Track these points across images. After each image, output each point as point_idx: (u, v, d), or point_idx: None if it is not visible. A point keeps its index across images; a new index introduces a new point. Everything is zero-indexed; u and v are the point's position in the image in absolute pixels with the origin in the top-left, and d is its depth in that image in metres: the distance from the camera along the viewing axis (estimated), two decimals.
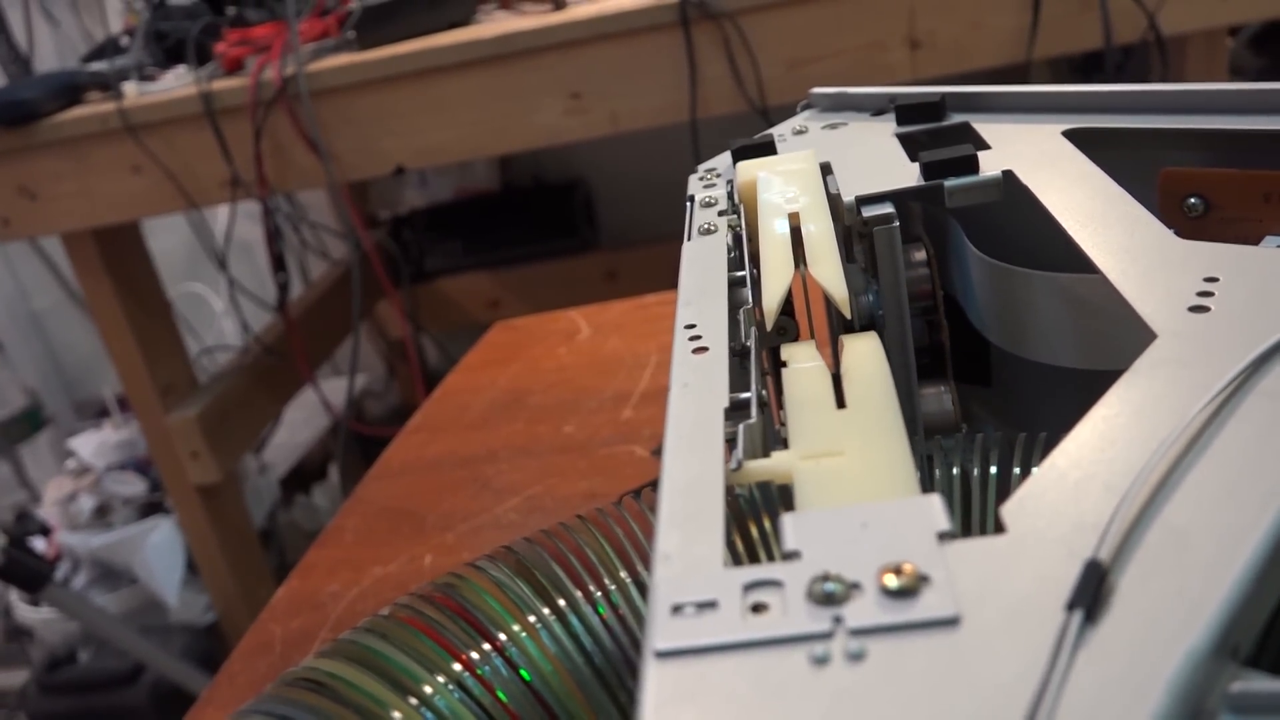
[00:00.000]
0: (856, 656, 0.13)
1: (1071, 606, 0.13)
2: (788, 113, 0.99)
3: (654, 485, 0.48)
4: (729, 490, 0.17)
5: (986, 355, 0.36)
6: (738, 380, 0.22)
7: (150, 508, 1.35)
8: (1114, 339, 0.23)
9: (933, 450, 0.21)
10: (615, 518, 0.22)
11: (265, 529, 1.44)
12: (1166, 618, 0.13)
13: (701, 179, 0.34)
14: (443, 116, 0.95)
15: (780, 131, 0.36)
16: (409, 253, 1.78)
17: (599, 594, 0.20)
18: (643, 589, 0.21)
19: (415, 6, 1.01)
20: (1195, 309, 0.19)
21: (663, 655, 0.14)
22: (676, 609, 0.14)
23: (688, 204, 0.32)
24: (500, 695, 0.19)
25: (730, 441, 0.19)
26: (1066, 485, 0.15)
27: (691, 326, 0.23)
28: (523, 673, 0.19)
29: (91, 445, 1.39)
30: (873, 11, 0.89)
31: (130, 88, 1.00)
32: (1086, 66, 1.15)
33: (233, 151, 0.97)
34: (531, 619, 0.20)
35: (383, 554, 0.52)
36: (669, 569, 0.15)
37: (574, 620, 0.20)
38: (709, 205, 0.31)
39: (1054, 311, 0.29)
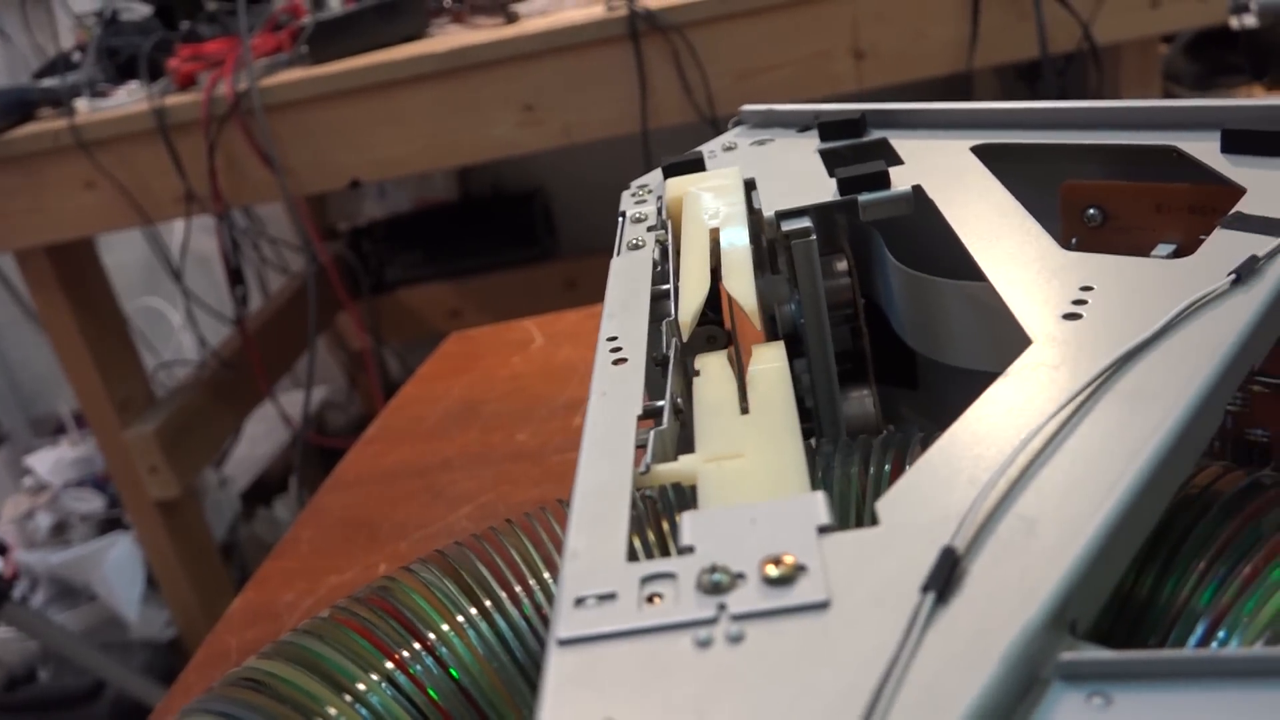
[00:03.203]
0: (736, 639, 0.14)
1: (926, 589, 0.14)
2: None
3: None
4: (637, 491, 0.19)
5: (913, 359, 0.37)
6: (657, 389, 0.23)
7: (108, 524, 1.34)
8: (1015, 343, 0.25)
9: (835, 451, 0.22)
10: (541, 521, 0.23)
11: (227, 543, 1.44)
12: (1008, 597, 0.14)
13: (634, 195, 0.35)
14: (398, 130, 0.96)
15: (710, 148, 0.38)
16: (368, 264, 1.78)
17: (523, 594, 0.21)
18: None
19: (368, 20, 1.01)
20: (1069, 316, 0.21)
21: (564, 643, 0.15)
22: (579, 601, 0.16)
23: (619, 219, 0.34)
24: (431, 693, 0.20)
25: (642, 447, 0.21)
26: (936, 480, 0.17)
27: (613, 339, 0.25)
28: (452, 671, 0.20)
29: (48, 462, 1.37)
30: (817, 23, 0.91)
31: (82, 104, 1.00)
32: (1029, 74, 1.18)
33: (187, 167, 0.97)
34: (460, 619, 0.21)
35: (338, 563, 0.53)
36: (575, 565, 0.17)
37: (499, 620, 0.21)
38: (639, 221, 0.33)
39: (964, 317, 0.31)
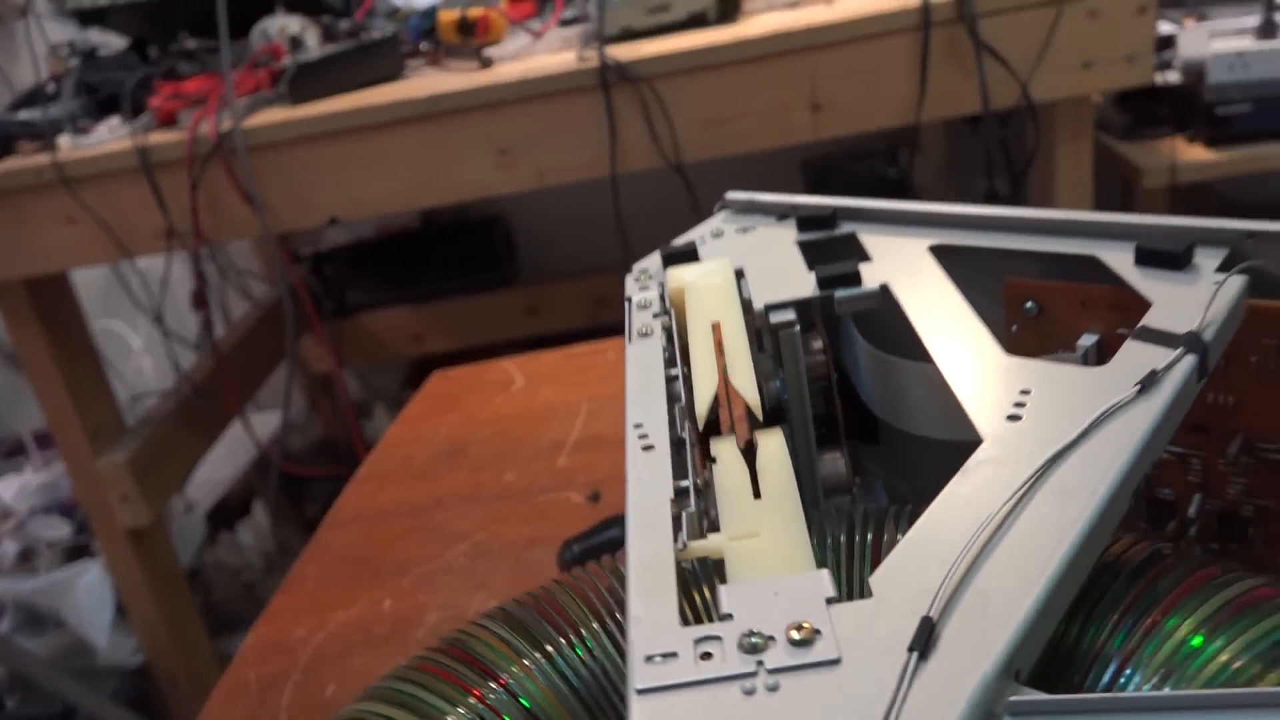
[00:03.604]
0: (773, 689, 0.19)
1: (911, 649, 0.20)
2: (703, 168, 1.07)
3: (591, 532, 0.53)
4: (678, 565, 0.24)
5: (875, 420, 0.43)
6: (679, 467, 0.28)
7: (75, 551, 1.35)
8: (960, 421, 0.30)
9: (830, 521, 0.28)
10: (585, 580, 0.28)
11: (193, 568, 1.45)
12: (971, 655, 0.19)
13: (636, 279, 0.40)
14: (376, 170, 1.00)
15: (700, 234, 0.43)
16: (331, 289, 1.81)
17: (576, 640, 0.26)
18: (609, 635, 0.27)
19: (346, 62, 1.05)
20: (1011, 417, 0.26)
21: (641, 693, 0.20)
22: (649, 658, 0.21)
23: (625, 304, 0.39)
24: (506, 718, 0.25)
25: (676, 520, 0.25)
26: (914, 560, 0.22)
27: (639, 426, 0.29)
28: (522, 700, 0.25)
29: (12, 489, 1.38)
30: (778, 77, 0.97)
31: (65, 140, 1.03)
32: (973, 123, 1.25)
33: (168, 203, 1.00)
34: (526, 661, 0.26)
35: (343, 599, 0.57)
36: (639, 629, 0.22)
37: (559, 660, 0.26)
38: (644, 307, 0.38)
39: (920, 393, 0.36)
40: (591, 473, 0.63)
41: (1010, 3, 0.94)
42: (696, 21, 1.04)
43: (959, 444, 0.27)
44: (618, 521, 0.54)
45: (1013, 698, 0.19)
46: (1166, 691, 0.19)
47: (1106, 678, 0.23)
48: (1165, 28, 1.16)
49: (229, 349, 1.42)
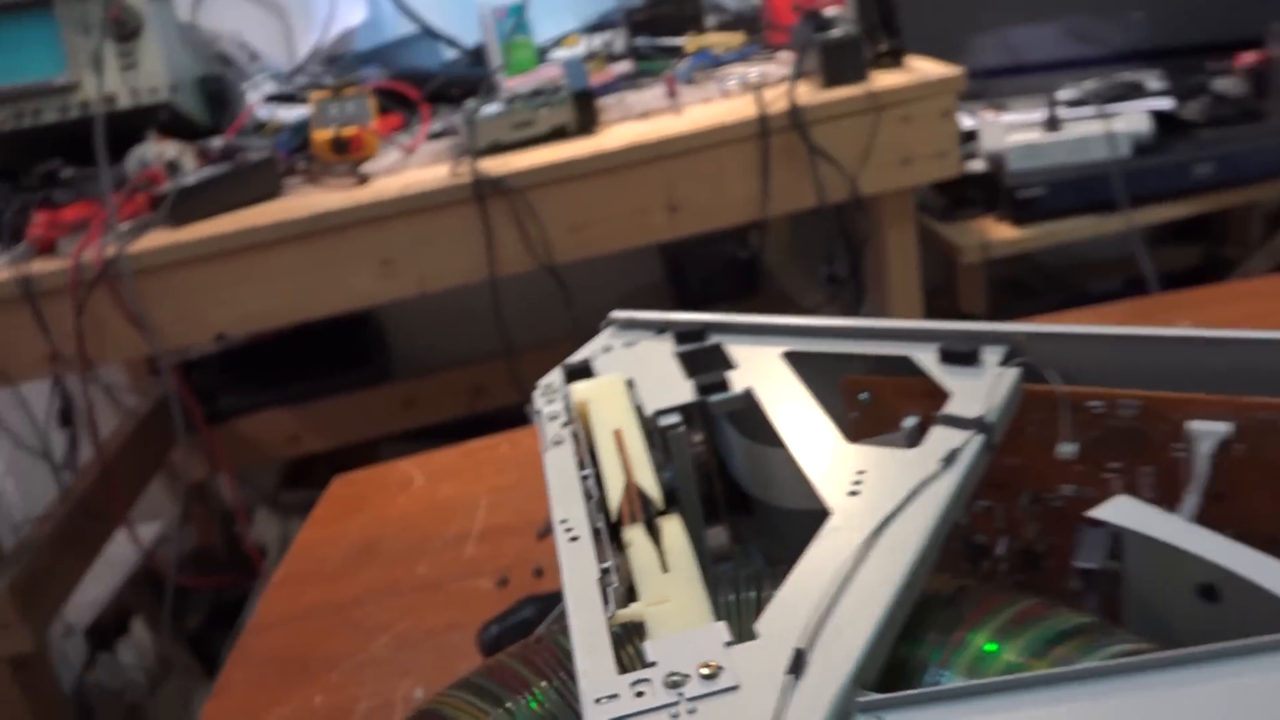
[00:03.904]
0: (692, 712, 0.27)
1: (789, 673, 0.27)
2: (574, 268, 1.15)
3: (507, 614, 0.59)
4: (610, 628, 0.31)
5: (748, 497, 0.51)
6: (600, 552, 0.35)
7: None
8: (814, 499, 0.38)
9: (721, 584, 0.35)
10: (531, 651, 0.35)
11: (75, 692, 1.42)
12: (831, 673, 0.27)
13: (543, 394, 0.48)
14: (261, 286, 1.05)
15: (593, 350, 0.51)
16: (201, 396, 1.81)
17: (529, 696, 0.33)
18: (556, 690, 0.33)
19: (225, 184, 1.10)
20: (851, 493, 0.35)
21: None
22: (597, 700, 0.28)
23: (536, 416, 0.46)
24: None
25: (604, 595, 0.33)
26: (787, 606, 0.30)
27: (564, 521, 0.37)
28: None
29: None
30: (637, 183, 1.07)
31: None
32: (813, 214, 1.39)
33: (52, 328, 1.02)
34: (491, 718, 0.32)
35: (275, 699, 0.61)
36: (587, 679, 0.28)
37: (519, 713, 0.32)
38: (554, 418, 0.45)
39: (783, 473, 0.44)
40: (498, 560, 0.70)
41: (836, 111, 1.07)
42: (559, 134, 1.14)
43: (814, 513, 0.35)
44: (530, 602, 0.60)
45: (860, 699, 0.27)
46: (967, 683, 0.27)
47: (927, 680, 0.31)
48: (969, 122, 1.32)
49: (107, 463, 1.41)
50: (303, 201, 1.07)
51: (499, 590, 0.66)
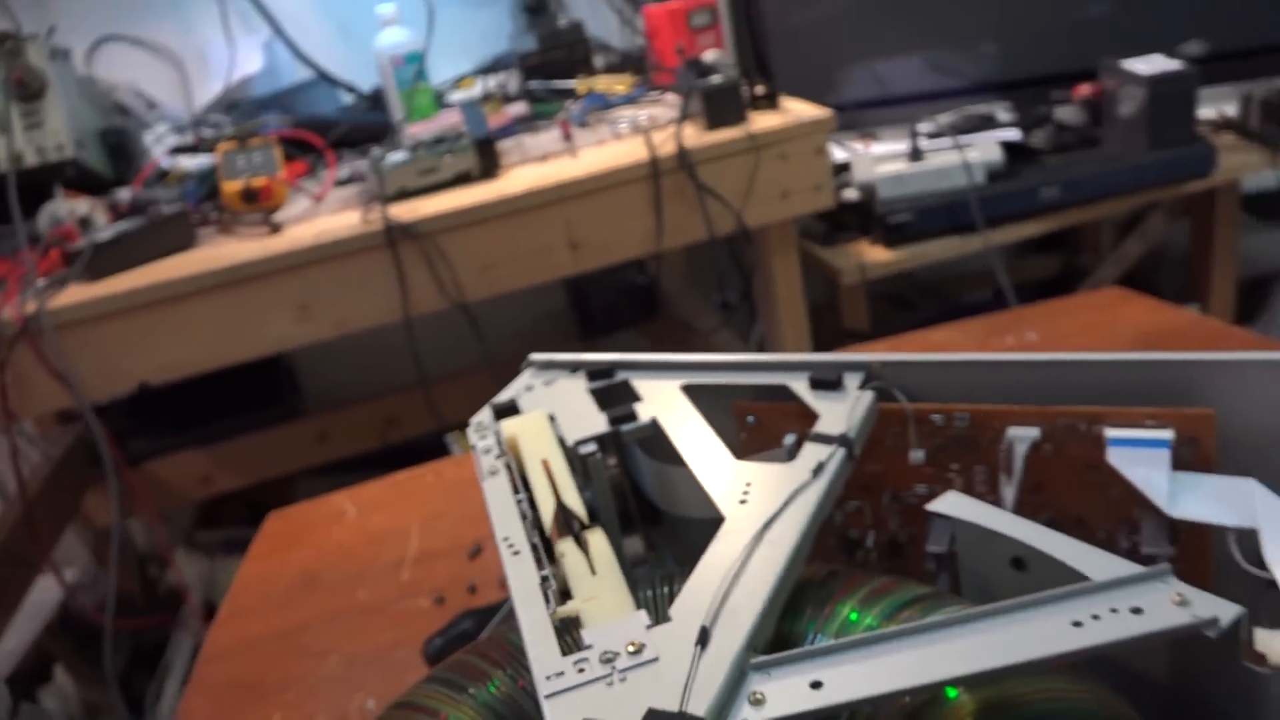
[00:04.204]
0: (623, 680, 0.34)
1: (696, 645, 0.35)
2: (486, 305, 1.23)
3: (448, 627, 0.66)
4: (552, 622, 0.38)
5: (657, 509, 0.59)
6: (539, 563, 0.43)
7: None
8: (712, 508, 0.46)
9: (640, 582, 0.43)
10: (485, 647, 0.42)
11: None
12: (728, 643, 0.35)
13: (476, 430, 0.55)
14: (182, 335, 1.09)
15: (516, 389, 0.58)
16: (113, 440, 1.81)
17: (488, 681, 0.40)
18: (509, 678, 0.41)
19: (140, 238, 1.14)
20: (742, 501, 0.43)
21: (548, 697, 0.34)
22: (547, 678, 0.35)
23: (472, 450, 0.53)
24: None
25: (545, 597, 0.40)
26: (693, 594, 0.38)
27: (506, 539, 0.44)
28: None
29: None
30: (540, 224, 1.14)
31: None
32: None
33: None
34: (458, 701, 0.39)
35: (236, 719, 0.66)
36: (539, 663, 0.36)
37: (481, 695, 0.39)
38: (487, 452, 0.52)
39: (684, 488, 0.52)
40: (433, 581, 0.76)
41: (720, 152, 1.16)
42: (463, 179, 1.20)
43: (711, 520, 0.43)
44: (467, 616, 0.67)
45: (753, 660, 0.35)
46: (833, 641, 0.35)
47: (805, 644, 0.39)
48: (841, 154, 1.44)
49: (27, 511, 1.41)
50: (218, 252, 1.11)
51: (437, 608, 0.73)
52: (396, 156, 1.18)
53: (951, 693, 0.37)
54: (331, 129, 1.40)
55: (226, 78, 1.67)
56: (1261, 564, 0.41)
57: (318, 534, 0.87)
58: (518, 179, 1.17)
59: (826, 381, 0.51)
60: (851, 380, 0.51)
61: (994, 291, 2.03)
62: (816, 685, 0.34)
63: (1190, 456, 0.46)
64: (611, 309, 1.95)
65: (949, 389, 0.51)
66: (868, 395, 0.50)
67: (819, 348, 1.40)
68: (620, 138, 1.29)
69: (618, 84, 1.59)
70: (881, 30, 1.69)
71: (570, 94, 1.56)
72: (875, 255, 1.40)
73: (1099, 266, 1.71)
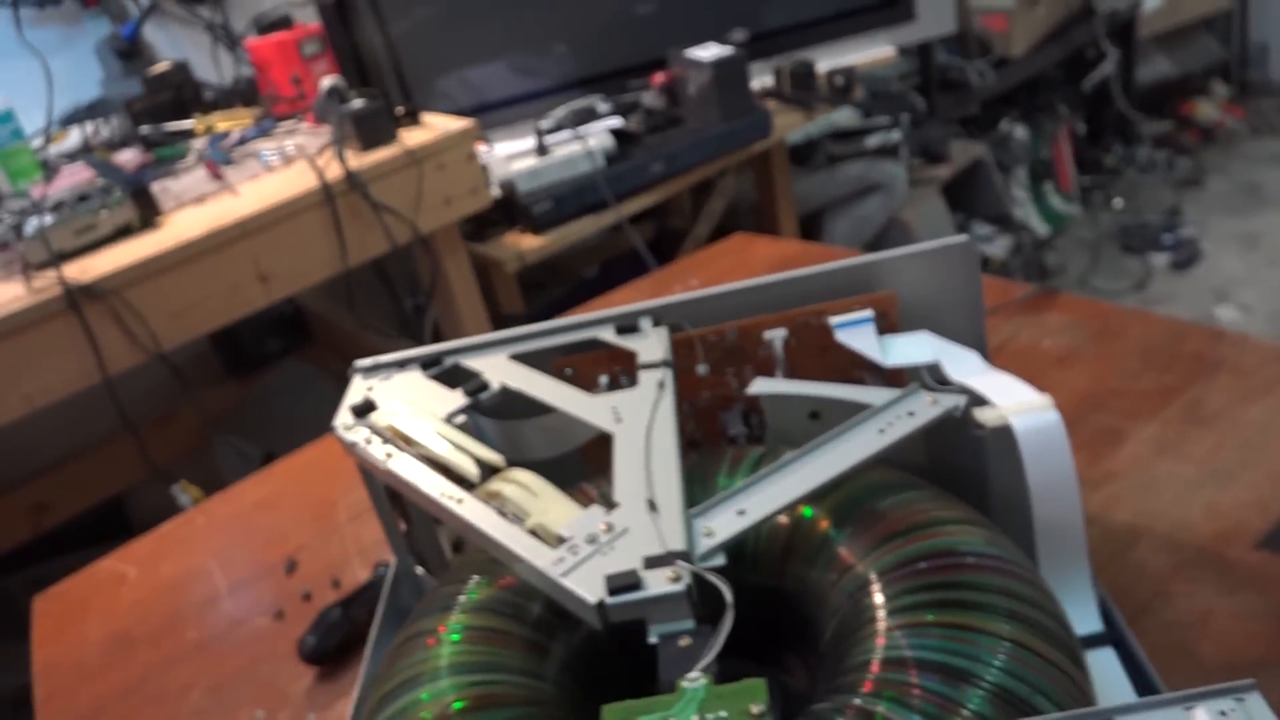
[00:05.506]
0: (611, 549, 0.47)
1: (650, 513, 0.48)
2: (183, 350, 1.24)
3: (316, 625, 0.73)
4: (528, 534, 0.49)
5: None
6: (476, 501, 0.53)
7: None
8: (566, 438, 0.59)
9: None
10: (433, 595, 0.52)
11: None
12: (672, 505, 0.49)
13: (346, 428, 0.62)
14: None
15: (359, 393, 0.66)
16: None
17: (465, 592, 0.50)
18: (483, 584, 0.51)
19: None
20: (618, 420, 0.56)
21: (565, 574, 0.46)
22: (554, 563, 0.46)
23: (352, 447, 0.61)
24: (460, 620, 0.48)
25: (510, 519, 0.51)
26: (625, 485, 0.51)
27: (443, 493, 0.54)
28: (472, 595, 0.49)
29: None
30: (225, 263, 1.15)
31: None
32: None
33: None
34: (446, 617, 0.49)
35: None
36: (540, 559, 0.47)
37: (465, 602, 0.49)
38: (369, 442, 0.60)
39: (532, 436, 0.64)
40: (260, 604, 0.80)
41: (386, 169, 1.25)
42: (124, 233, 1.18)
43: (558, 459, 0.56)
44: (333, 608, 0.73)
45: (690, 511, 0.49)
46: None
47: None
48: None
49: None
50: None
51: (278, 623, 0.77)
52: (46, 220, 1.14)
53: (807, 512, 0.53)
54: None
55: None
56: (944, 383, 0.61)
57: (103, 600, 0.86)
58: (183, 223, 1.17)
59: (629, 327, 0.65)
60: (645, 322, 0.66)
61: (600, 264, 2.28)
62: (742, 513, 0.48)
63: (884, 326, 0.66)
64: (259, 340, 1.94)
65: (717, 314, 0.67)
66: (663, 329, 0.65)
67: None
68: (272, 169, 1.32)
69: (236, 120, 1.60)
70: (464, 43, 1.84)
71: (189, 134, 1.55)
72: (526, 243, 1.55)
73: (696, 224, 2.00)
